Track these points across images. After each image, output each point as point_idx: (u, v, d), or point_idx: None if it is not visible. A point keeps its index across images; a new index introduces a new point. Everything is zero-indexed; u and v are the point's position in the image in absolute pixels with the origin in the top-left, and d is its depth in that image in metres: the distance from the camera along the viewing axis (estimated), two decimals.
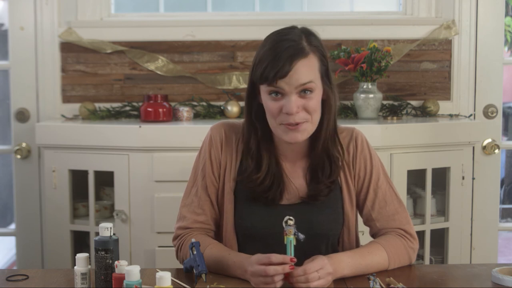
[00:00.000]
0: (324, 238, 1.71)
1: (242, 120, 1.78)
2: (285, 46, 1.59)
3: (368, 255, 1.62)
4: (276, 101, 1.61)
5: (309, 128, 1.63)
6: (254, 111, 1.69)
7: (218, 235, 1.78)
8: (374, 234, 1.77)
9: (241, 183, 1.71)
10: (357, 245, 1.79)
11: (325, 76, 1.66)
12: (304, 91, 1.60)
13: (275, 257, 1.46)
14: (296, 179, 1.73)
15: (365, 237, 1.82)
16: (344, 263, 1.57)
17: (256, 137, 1.70)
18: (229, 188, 1.73)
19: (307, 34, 1.66)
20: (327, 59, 1.68)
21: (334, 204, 1.72)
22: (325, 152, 1.70)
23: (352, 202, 1.75)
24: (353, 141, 1.76)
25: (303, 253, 1.53)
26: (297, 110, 1.59)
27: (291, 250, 1.48)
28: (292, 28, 1.66)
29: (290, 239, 1.48)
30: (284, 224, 1.48)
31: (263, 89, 1.63)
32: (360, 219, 1.80)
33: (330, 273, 1.49)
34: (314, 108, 1.62)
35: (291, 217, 1.48)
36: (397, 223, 1.72)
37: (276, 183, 1.69)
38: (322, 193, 1.69)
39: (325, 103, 1.68)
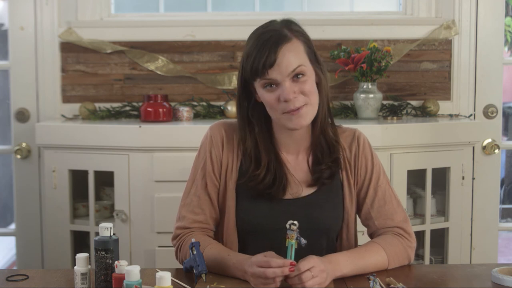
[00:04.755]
0: (324, 233, 1.72)
1: None
2: (267, 36, 1.62)
3: (366, 254, 1.63)
4: (272, 92, 1.63)
5: (310, 111, 1.65)
6: (250, 110, 1.70)
7: (217, 235, 1.78)
8: (372, 234, 1.77)
9: (243, 182, 1.71)
10: (356, 244, 1.79)
11: (314, 58, 1.68)
12: (296, 76, 1.62)
13: (275, 262, 1.45)
14: (298, 172, 1.73)
15: (364, 236, 1.82)
16: (342, 262, 1.57)
17: (253, 136, 1.71)
18: (231, 186, 1.72)
19: (287, 23, 1.68)
20: (312, 43, 1.69)
21: (335, 199, 1.73)
22: (322, 134, 1.71)
23: (352, 200, 1.75)
24: (355, 141, 1.77)
25: (305, 248, 1.52)
26: (294, 95, 1.61)
27: (291, 254, 1.47)
28: (272, 21, 1.69)
29: (292, 243, 1.47)
30: (287, 227, 1.48)
31: (258, 85, 1.65)
32: (359, 220, 1.81)
33: (323, 270, 1.49)
34: (310, 90, 1.63)
35: (294, 222, 1.47)
36: (395, 222, 1.73)
37: (278, 179, 1.69)
38: (325, 173, 1.70)
39: (318, 85, 1.69)
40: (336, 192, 1.73)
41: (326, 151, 1.71)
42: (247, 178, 1.69)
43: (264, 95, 1.64)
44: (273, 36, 1.61)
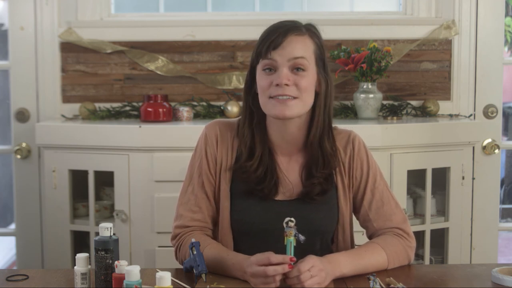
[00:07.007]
0: (318, 235, 1.72)
1: (237, 119, 1.79)
2: (282, 24, 1.66)
3: (366, 255, 1.63)
4: (268, 76, 1.64)
5: (298, 106, 1.63)
6: (252, 97, 1.71)
7: (214, 234, 1.78)
8: (371, 235, 1.77)
9: (236, 176, 1.71)
10: (352, 246, 1.79)
11: (321, 64, 1.67)
12: (296, 68, 1.62)
13: (275, 257, 1.46)
14: (291, 174, 1.73)
15: (364, 236, 1.82)
16: (342, 262, 1.57)
17: (251, 125, 1.71)
18: (225, 185, 1.73)
19: (308, 24, 1.70)
20: (324, 52, 1.69)
21: (329, 201, 1.72)
22: (319, 146, 1.70)
23: (347, 202, 1.75)
24: (350, 143, 1.76)
25: (299, 250, 1.53)
26: (287, 82, 1.61)
27: (291, 251, 1.48)
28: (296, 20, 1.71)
29: (290, 240, 1.47)
30: (284, 225, 1.48)
31: (259, 69, 1.66)
32: (356, 222, 1.80)
33: (322, 269, 1.49)
34: (305, 86, 1.62)
35: (292, 219, 1.48)
36: (394, 223, 1.73)
37: (269, 175, 1.69)
38: (315, 189, 1.69)
39: (317, 95, 1.68)
40: (330, 194, 1.73)
41: (321, 165, 1.70)
42: (239, 168, 1.70)
43: (260, 78, 1.65)
44: (287, 25, 1.64)
